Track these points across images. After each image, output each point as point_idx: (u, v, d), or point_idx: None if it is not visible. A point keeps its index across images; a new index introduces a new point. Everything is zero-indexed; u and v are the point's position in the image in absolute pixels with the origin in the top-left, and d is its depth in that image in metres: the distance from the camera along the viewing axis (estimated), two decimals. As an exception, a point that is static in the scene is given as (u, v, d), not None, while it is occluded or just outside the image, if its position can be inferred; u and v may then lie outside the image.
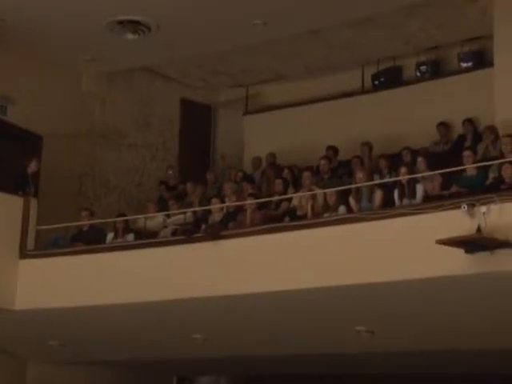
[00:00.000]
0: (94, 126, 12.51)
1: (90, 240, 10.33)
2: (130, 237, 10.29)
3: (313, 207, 9.39)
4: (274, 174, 11.18)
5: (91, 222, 10.74)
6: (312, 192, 9.68)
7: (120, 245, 10.07)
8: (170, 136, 13.30)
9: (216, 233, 9.24)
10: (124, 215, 10.77)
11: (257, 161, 12.47)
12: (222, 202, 10.40)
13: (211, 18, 10.88)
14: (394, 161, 10.40)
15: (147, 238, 9.94)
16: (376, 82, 12.24)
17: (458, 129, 11.14)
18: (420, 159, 9.69)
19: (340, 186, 9.62)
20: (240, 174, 11.89)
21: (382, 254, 8.26)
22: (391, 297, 8.48)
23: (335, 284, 8.39)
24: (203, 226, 9.72)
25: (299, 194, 9.95)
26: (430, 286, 8.09)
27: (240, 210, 10.08)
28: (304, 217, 9.42)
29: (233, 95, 13.47)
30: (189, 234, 9.56)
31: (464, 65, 11.51)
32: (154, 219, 10.70)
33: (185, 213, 10.55)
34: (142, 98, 13.08)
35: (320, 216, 9.09)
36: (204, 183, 11.93)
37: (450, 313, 8.63)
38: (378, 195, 9.06)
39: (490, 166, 8.99)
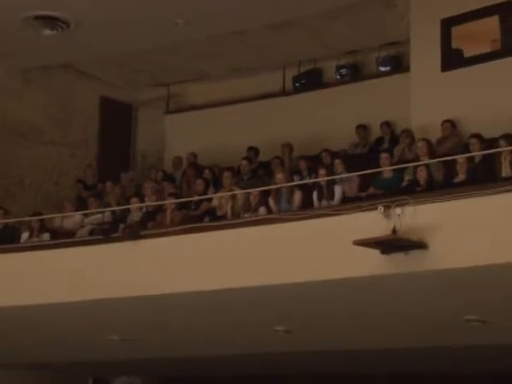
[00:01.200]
0: (8, 123, 12.21)
1: (3, 239, 10.09)
2: (46, 236, 10.09)
3: (233, 208, 9.41)
4: (195, 174, 11.15)
5: (5, 220, 10.49)
6: (232, 192, 9.70)
7: (35, 244, 9.88)
8: (90, 134, 13.12)
9: (135, 233, 9.15)
10: (40, 214, 10.56)
11: (177, 160, 12.41)
12: (142, 201, 10.32)
13: (132, 16, 10.78)
14: (314, 162, 10.51)
15: (63, 238, 9.76)
16: (297, 84, 12.35)
17: (377, 131, 11.33)
18: (338, 161, 9.82)
19: (260, 186, 9.66)
20: (160, 174, 11.82)
21: (300, 254, 8.32)
22: (309, 297, 8.55)
23: (254, 284, 8.42)
24: (121, 226, 9.62)
25: (219, 194, 9.95)
26: (347, 287, 8.19)
27: (160, 209, 10.02)
28: (224, 217, 9.43)
29: (154, 94, 13.38)
30: (107, 233, 9.44)
31: (382, 69, 11.72)
32: (71, 218, 10.54)
33: (103, 212, 10.42)
34: (60, 95, 12.85)
35: (240, 216, 9.11)
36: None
37: (367, 313, 8.76)
38: (297, 196, 9.14)
39: (405, 168, 9.17)
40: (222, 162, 11.74)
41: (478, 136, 9.07)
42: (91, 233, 10.05)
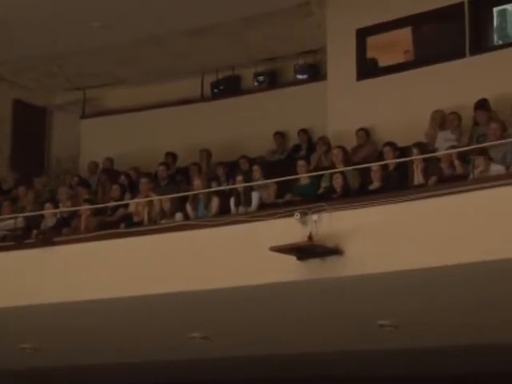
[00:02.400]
0: None
1: None
2: (-45, 242, 9.80)
3: (149, 214, 9.34)
4: (110, 180, 11.01)
5: None
6: (149, 198, 9.62)
7: None
8: (2, 137, 12.80)
9: (48, 239, 8.98)
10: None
11: (93, 165, 12.23)
12: (56, 206, 10.14)
13: (47, 19, 10.60)
14: (232, 168, 10.53)
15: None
16: (215, 90, 12.35)
17: (294, 139, 11.43)
18: (256, 167, 9.87)
19: (177, 192, 9.61)
20: (76, 179, 11.62)
21: (216, 261, 8.33)
22: (226, 303, 8.56)
23: (171, 291, 8.40)
24: (35, 232, 9.42)
25: (136, 200, 9.86)
26: (263, 292, 8.24)
27: (75, 215, 9.85)
28: (140, 223, 9.35)
29: (70, 98, 13.16)
30: (19, 239, 9.23)
31: (300, 77, 11.82)
32: (-17, 223, 10.26)
33: (15, 217, 10.18)
34: (-29, 96, 12.52)
35: (156, 222, 9.05)
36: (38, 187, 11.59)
37: (284, 318, 8.82)
38: (215, 202, 9.14)
39: (322, 175, 9.28)
40: (139, 168, 11.63)
41: (391, 144, 9.25)
42: (3, 239, 9.80)
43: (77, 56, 11.97)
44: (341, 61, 10.71)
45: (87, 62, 12.23)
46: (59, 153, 13.29)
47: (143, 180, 10.18)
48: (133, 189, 10.64)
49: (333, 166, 9.39)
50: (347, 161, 9.44)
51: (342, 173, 8.89)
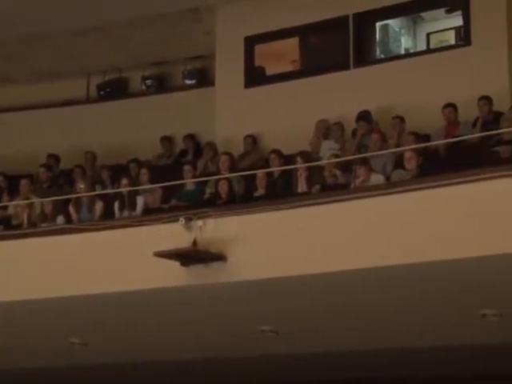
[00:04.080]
0: None
1: None
2: None
3: (29, 216, 9.12)
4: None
5: None
6: (29, 201, 9.40)
7: None
8: None
9: None
10: None
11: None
12: None
13: None
14: (118, 172, 10.41)
15: None
16: (101, 93, 12.19)
17: (182, 143, 11.40)
18: (143, 171, 9.80)
19: (60, 195, 9.43)
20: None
21: (100, 265, 8.23)
22: (108, 308, 8.46)
23: (53, 295, 8.22)
24: None
25: (15, 202, 9.61)
26: (147, 298, 8.17)
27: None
28: (20, 226, 9.12)
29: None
30: None
31: (188, 82, 11.82)
32: None
33: None
34: None
35: (37, 225, 8.85)
36: None
37: (167, 323, 8.78)
38: (99, 206, 9.03)
39: (208, 181, 9.31)
40: (19, 169, 11.32)
41: (277, 152, 9.38)
42: None
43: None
44: (229, 68, 10.78)
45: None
46: None
47: (23, 182, 9.93)
48: (12, 191, 10.36)
49: (219, 172, 9.43)
50: (233, 167, 9.51)
51: (227, 179, 8.94)
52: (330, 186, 8.46)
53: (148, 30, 11.11)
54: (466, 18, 9.67)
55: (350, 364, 9.65)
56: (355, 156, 8.68)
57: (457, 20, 10.02)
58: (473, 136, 8.45)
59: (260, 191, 8.91)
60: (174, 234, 7.92)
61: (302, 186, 8.76)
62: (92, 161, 11.25)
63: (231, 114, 10.67)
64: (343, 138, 9.76)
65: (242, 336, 8.99)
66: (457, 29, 10.10)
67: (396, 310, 7.96)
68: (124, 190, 9.13)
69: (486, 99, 8.95)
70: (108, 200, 9.24)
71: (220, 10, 10.84)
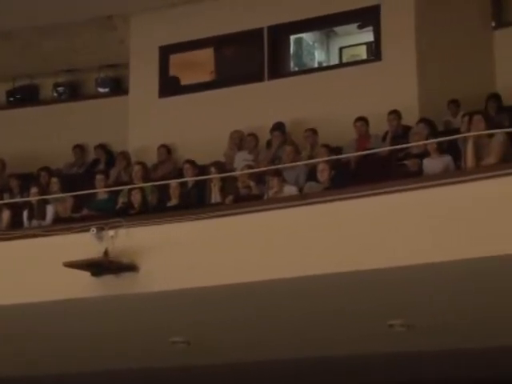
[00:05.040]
0: None
1: None
2: None
3: None
4: None
5: None
6: None
7: None
8: None
9: None
10: None
11: None
12: None
13: None
14: (27, 180, 10.20)
15: None
16: (11, 99, 11.94)
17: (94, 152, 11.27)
18: (53, 180, 9.64)
19: (-34, 203, 9.17)
20: None
21: (7, 275, 8.06)
22: (16, 320, 8.27)
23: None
24: None
25: None
26: (59, 308, 8.04)
27: None
28: None
29: None
30: None
31: (101, 90, 11.70)
32: None
33: None
34: None
35: None
36: None
37: (77, 335, 8.62)
38: (6, 215, 8.84)
39: (120, 191, 9.22)
40: None
41: (191, 162, 9.37)
42: None
43: None
44: (143, 77, 10.73)
45: None
46: None
47: None
48: None
49: (132, 182, 9.35)
50: (147, 177, 9.45)
51: (140, 189, 8.88)
52: (244, 196, 8.50)
53: (59, 37, 10.96)
54: (377, 33, 9.90)
55: (265, 374, 9.68)
56: (268, 167, 8.75)
57: (368, 35, 10.25)
58: (383, 149, 8.63)
59: (173, 201, 8.88)
60: (85, 244, 7.83)
61: (215, 197, 8.78)
62: (0, 169, 10.99)
63: (145, 123, 10.62)
64: (257, 149, 9.84)
65: (153, 347, 8.92)
66: (368, 44, 10.33)
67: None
68: (33, 198, 8.95)
69: (396, 113, 9.16)
70: (16, 209, 9.04)
71: (134, 18, 10.79)
